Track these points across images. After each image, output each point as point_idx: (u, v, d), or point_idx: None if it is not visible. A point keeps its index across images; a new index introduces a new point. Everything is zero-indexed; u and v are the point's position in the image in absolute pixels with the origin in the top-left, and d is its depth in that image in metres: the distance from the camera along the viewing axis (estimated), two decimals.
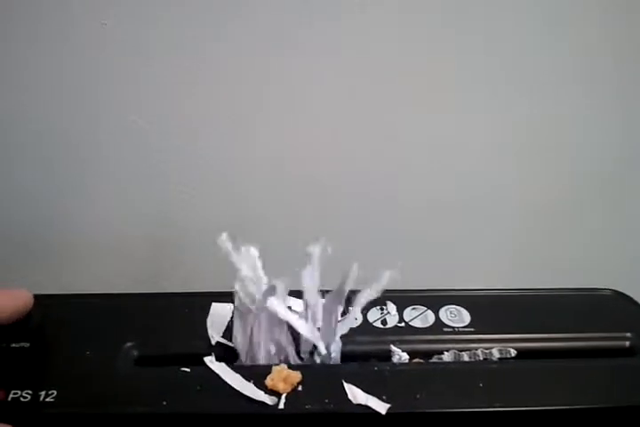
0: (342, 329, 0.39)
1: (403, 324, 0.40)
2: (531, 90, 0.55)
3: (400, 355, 0.39)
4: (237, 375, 0.36)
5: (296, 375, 0.36)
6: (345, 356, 0.39)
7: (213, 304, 0.41)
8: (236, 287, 0.37)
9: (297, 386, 0.36)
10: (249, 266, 0.37)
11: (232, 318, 0.39)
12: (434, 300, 0.42)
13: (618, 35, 0.52)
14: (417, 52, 0.53)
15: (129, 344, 0.38)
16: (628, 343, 0.40)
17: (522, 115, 0.56)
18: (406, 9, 0.50)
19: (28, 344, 0.38)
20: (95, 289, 0.43)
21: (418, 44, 0.52)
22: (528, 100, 0.55)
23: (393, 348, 0.39)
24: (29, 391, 0.35)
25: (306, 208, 0.61)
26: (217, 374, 0.36)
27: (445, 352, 0.39)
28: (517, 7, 0.51)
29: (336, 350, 0.39)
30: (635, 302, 0.43)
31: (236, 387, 0.35)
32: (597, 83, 0.55)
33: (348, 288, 0.37)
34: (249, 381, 0.35)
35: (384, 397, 0.35)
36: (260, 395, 0.35)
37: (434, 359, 0.39)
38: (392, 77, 0.54)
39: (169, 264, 0.65)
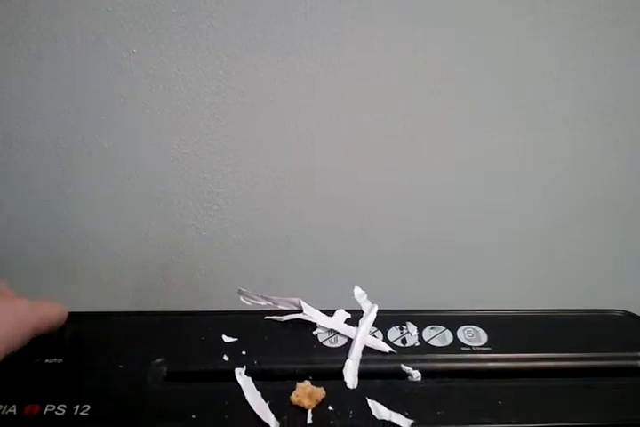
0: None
1: (422, 343, 0.42)
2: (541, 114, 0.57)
3: (414, 373, 0.40)
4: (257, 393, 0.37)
5: (320, 392, 0.37)
6: (366, 373, 0.40)
7: None
8: None
9: (322, 402, 0.37)
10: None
11: None
12: (452, 320, 0.43)
13: None
14: None
15: (159, 360, 0.40)
16: (639, 363, 0.41)
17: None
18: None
19: (61, 360, 0.39)
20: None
21: None
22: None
23: (405, 367, 0.40)
24: (64, 406, 0.36)
25: (322, 237, 0.63)
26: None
27: None
28: None
29: None
30: None
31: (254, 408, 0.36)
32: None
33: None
34: (274, 397, 0.37)
35: (406, 413, 0.36)
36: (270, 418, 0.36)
37: None
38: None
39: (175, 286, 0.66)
